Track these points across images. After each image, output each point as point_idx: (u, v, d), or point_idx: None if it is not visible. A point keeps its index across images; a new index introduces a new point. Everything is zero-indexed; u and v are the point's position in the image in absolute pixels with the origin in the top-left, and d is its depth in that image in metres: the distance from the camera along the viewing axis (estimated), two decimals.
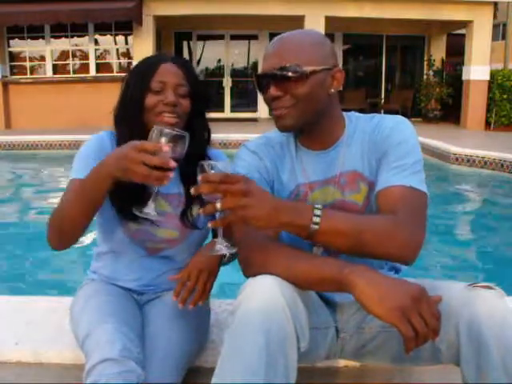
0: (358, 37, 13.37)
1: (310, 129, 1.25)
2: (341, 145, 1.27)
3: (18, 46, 11.59)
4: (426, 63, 13.35)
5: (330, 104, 1.23)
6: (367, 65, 14.43)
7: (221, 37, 13.44)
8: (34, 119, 10.62)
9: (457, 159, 6.95)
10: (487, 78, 10.98)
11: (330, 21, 10.55)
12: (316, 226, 1.01)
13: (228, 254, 1.36)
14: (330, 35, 9.55)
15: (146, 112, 1.36)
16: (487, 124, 11.16)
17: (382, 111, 11.89)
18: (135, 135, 1.18)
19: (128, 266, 1.47)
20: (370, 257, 1.08)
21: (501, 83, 10.89)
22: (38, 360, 1.53)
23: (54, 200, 5.20)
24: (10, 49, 11.54)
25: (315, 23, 10.18)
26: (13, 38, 11.50)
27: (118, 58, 11.83)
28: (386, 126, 1.24)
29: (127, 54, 11.80)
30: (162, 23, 11.56)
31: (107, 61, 11.84)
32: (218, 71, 13.85)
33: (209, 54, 13.79)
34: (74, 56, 11.68)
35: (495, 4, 11.02)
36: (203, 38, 13.62)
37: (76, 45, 11.64)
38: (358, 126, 1.28)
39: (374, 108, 12.15)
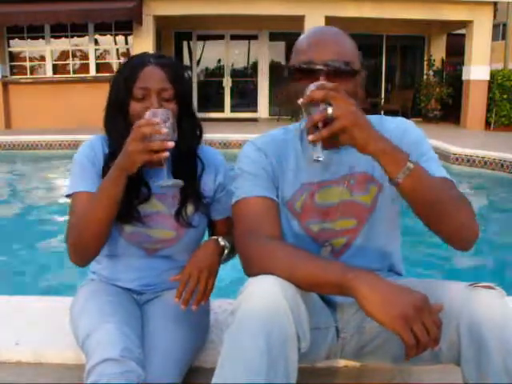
0: (357, 37, 13.06)
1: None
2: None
3: (17, 45, 11.57)
4: (425, 63, 13.34)
5: None
6: (367, 65, 14.31)
7: (221, 37, 13.42)
8: (34, 119, 10.59)
9: (457, 159, 6.94)
10: (487, 77, 10.96)
11: (329, 21, 10.53)
12: (408, 171, 1.01)
13: (226, 251, 1.36)
14: None
15: (132, 118, 1.32)
16: (487, 124, 11.14)
17: (382, 111, 11.88)
18: (125, 137, 1.18)
19: (128, 267, 1.47)
20: (440, 226, 1.09)
21: (501, 83, 10.87)
22: (38, 360, 1.53)
23: (54, 200, 5.20)
24: (10, 49, 11.52)
25: (315, 23, 10.15)
26: (13, 38, 11.48)
27: (118, 58, 11.80)
28: (399, 128, 1.25)
29: (127, 54, 11.75)
30: (162, 23, 11.55)
31: (107, 61, 11.83)
32: (218, 71, 13.84)
33: (209, 54, 13.79)
34: (73, 56, 11.66)
35: (495, 4, 11.00)
36: (203, 37, 13.61)
37: (76, 45, 11.61)
38: None
39: (374, 108, 12.14)
